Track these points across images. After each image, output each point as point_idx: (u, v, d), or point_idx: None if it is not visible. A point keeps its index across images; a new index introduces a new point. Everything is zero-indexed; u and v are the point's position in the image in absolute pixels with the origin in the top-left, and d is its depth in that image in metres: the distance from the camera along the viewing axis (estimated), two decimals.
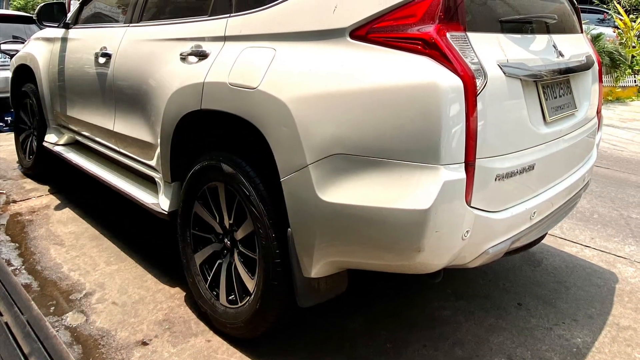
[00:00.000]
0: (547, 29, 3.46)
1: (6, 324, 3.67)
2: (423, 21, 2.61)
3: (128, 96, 4.43)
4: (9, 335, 3.57)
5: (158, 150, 4.00)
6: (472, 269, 3.86)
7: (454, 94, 2.51)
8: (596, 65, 4.04)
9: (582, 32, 4.18)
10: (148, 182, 4.47)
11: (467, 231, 2.66)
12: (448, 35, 2.61)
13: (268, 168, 3.11)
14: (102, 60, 4.78)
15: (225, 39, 3.48)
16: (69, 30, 5.76)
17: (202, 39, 3.66)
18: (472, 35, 2.72)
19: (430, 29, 2.59)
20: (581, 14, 4.29)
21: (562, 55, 3.45)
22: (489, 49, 2.80)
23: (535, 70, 3.08)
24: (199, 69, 3.53)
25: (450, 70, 2.53)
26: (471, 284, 4.31)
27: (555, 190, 3.35)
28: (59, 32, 5.90)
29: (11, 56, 8.81)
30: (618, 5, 17.53)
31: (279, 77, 2.98)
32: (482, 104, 2.62)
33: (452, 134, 2.51)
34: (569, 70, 3.51)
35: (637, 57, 16.10)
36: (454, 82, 2.51)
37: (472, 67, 2.61)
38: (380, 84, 2.61)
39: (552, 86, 3.37)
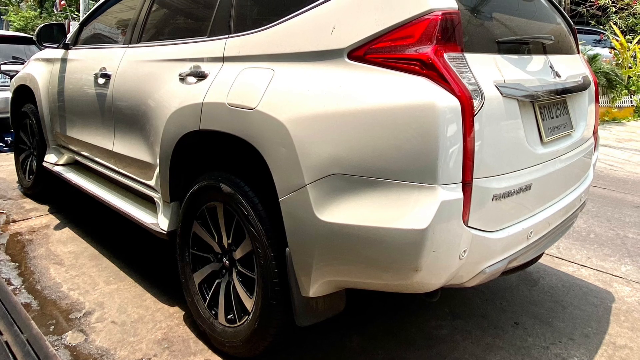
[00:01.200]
0: (544, 50, 3.48)
1: (6, 342, 3.67)
2: (420, 42, 2.63)
3: (127, 116, 4.45)
4: (9, 354, 3.56)
5: (157, 170, 4.02)
6: (469, 288, 3.89)
7: (451, 114, 2.52)
8: (593, 86, 4.07)
9: (578, 53, 4.21)
10: (147, 202, 4.48)
11: (464, 251, 2.67)
12: (445, 56, 2.63)
13: (266, 188, 3.13)
14: (101, 80, 4.81)
15: (224, 59, 3.51)
16: (69, 51, 5.80)
17: (201, 59, 3.68)
18: (469, 56, 2.75)
19: (427, 49, 2.61)
20: (578, 35, 4.32)
21: (558, 75, 3.48)
22: (486, 70, 2.82)
23: (532, 90, 3.11)
24: (197, 89, 3.56)
25: (448, 90, 2.55)
26: (468, 303, 4.32)
27: (552, 210, 3.36)
28: (58, 53, 5.94)
29: (11, 77, 8.83)
30: (614, 26, 17.59)
31: (278, 98, 3.00)
32: (479, 124, 2.64)
33: (450, 154, 2.52)
34: (566, 91, 3.53)
35: (634, 78, 16.16)
36: (451, 103, 2.53)
37: (470, 87, 2.63)
38: (378, 105, 2.63)
39: (549, 106, 3.39)
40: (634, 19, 18.81)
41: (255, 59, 3.30)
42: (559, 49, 3.76)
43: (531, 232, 3.13)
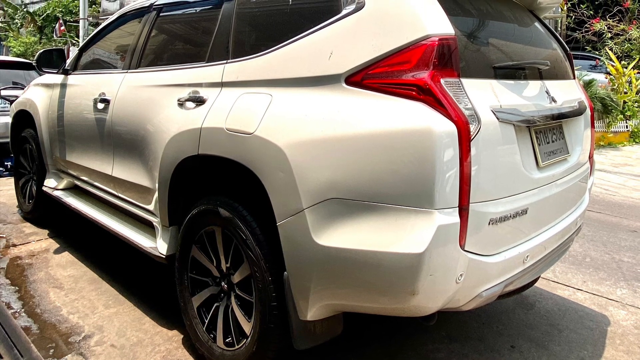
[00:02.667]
0: (540, 75, 3.51)
1: None
2: (417, 67, 2.66)
3: (126, 141, 4.47)
4: None
5: (156, 194, 4.03)
6: (466, 312, 3.89)
7: (448, 139, 2.55)
8: (588, 111, 4.08)
9: (574, 78, 4.23)
10: (146, 226, 4.49)
11: (460, 275, 2.68)
12: (442, 81, 2.66)
13: (264, 212, 3.14)
14: (100, 105, 4.83)
15: (222, 84, 3.54)
16: (68, 76, 5.83)
17: (200, 84, 3.71)
18: (465, 81, 2.77)
19: (424, 75, 2.64)
20: (573, 60, 4.35)
21: (554, 101, 3.49)
22: (482, 95, 2.84)
23: (528, 115, 3.13)
24: (196, 114, 3.58)
25: (444, 115, 2.58)
26: (465, 326, 4.32)
27: (548, 234, 3.38)
28: (58, 78, 5.97)
29: (11, 102, 8.85)
30: (610, 52, 17.64)
31: (276, 123, 3.03)
32: (475, 149, 2.66)
33: (446, 178, 2.55)
34: (562, 116, 3.55)
35: (629, 103, 16.16)
36: (448, 128, 2.56)
37: (466, 112, 2.65)
38: (375, 130, 2.65)
39: (545, 131, 3.41)
40: (629, 45, 18.86)
41: (254, 84, 3.33)
42: (555, 74, 3.79)
43: (527, 256, 3.14)
